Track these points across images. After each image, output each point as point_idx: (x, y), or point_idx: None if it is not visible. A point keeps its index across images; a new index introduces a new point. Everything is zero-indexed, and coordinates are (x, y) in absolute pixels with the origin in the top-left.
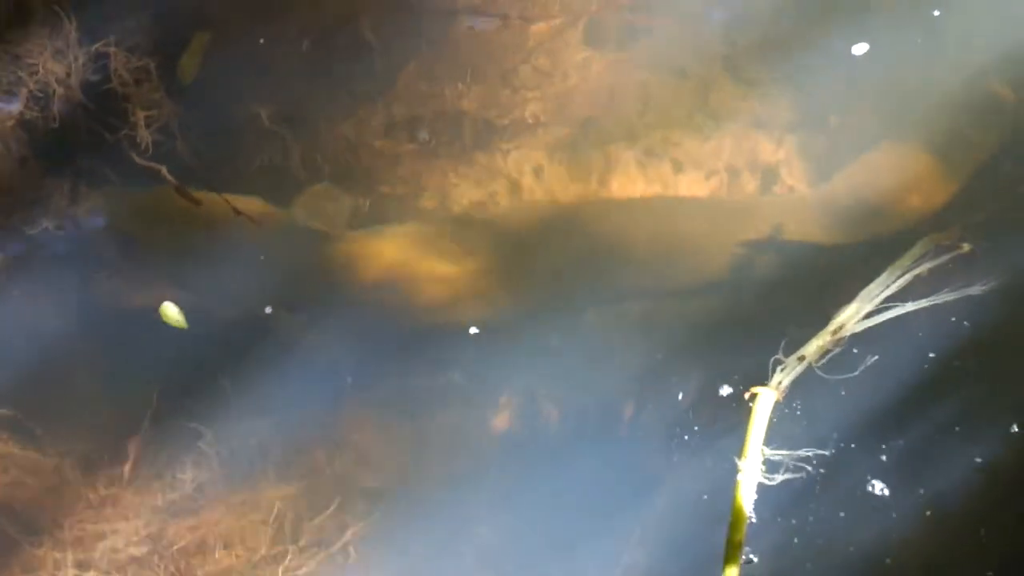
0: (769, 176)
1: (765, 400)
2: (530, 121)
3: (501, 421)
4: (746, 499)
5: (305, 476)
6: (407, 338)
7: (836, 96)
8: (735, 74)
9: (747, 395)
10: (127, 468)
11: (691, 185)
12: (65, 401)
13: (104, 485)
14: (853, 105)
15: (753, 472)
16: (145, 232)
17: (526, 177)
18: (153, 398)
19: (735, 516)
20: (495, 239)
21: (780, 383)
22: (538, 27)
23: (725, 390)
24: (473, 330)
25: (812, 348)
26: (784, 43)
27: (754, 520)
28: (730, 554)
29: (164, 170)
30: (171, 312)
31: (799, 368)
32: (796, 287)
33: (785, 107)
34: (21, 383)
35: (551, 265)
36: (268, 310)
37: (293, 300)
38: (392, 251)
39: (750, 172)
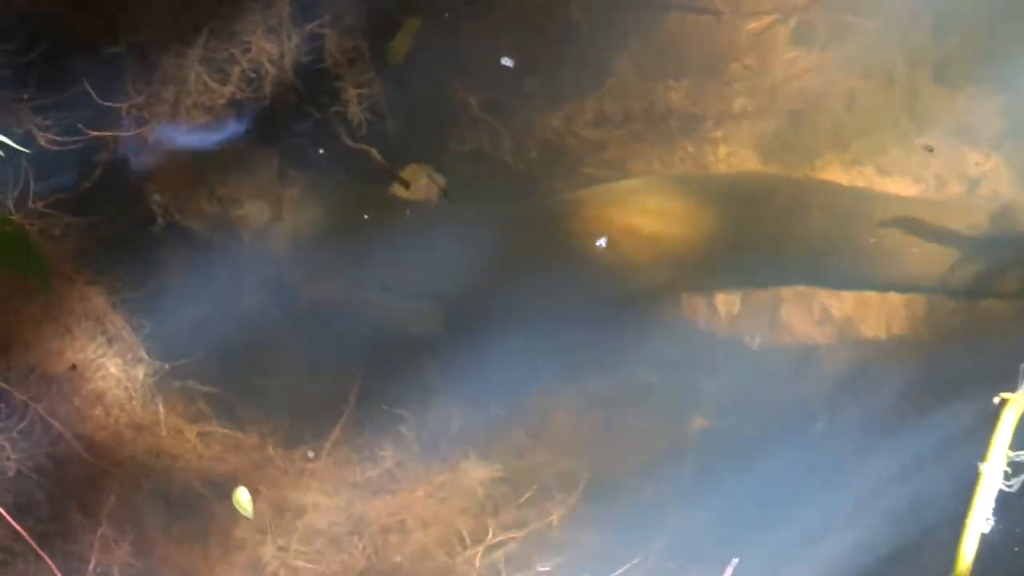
0: (975, 185)
1: (1015, 406)
2: (737, 113)
3: (700, 418)
4: (984, 503)
5: (505, 460)
6: (614, 326)
7: None
8: (942, 77)
9: (996, 400)
10: (327, 446)
11: (896, 191)
12: (268, 381)
13: (303, 462)
14: None
15: (995, 477)
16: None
17: None
18: (356, 379)
19: (971, 520)
20: (714, 204)
21: None
22: (749, 25)
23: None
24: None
25: None
26: (995, 46)
27: (993, 524)
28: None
29: (373, 151)
30: (242, 499)
31: None
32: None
33: (994, 112)
34: (225, 362)
35: (764, 242)
36: (471, 294)
37: (498, 284)
38: (611, 211)
39: (957, 181)
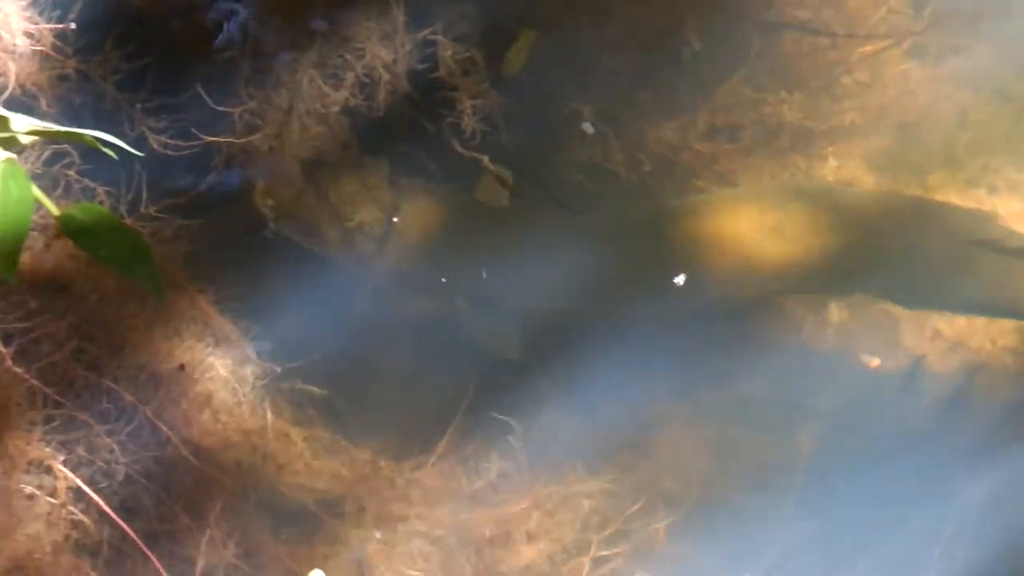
0: None
1: None
2: (848, 128)
3: (809, 434)
4: None
5: (612, 473)
6: (728, 339)
7: None
8: None
9: None
10: (435, 455)
11: (1008, 212)
12: (377, 388)
13: (410, 469)
14: None
15: None
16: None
17: None
18: (466, 389)
19: None
20: (833, 219)
21: None
22: (863, 48)
23: None
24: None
25: None
26: None
27: None
28: None
29: (485, 160)
30: None
31: None
32: None
33: None
34: (334, 369)
35: (884, 260)
36: (582, 307)
37: (614, 295)
38: (729, 222)
39: None
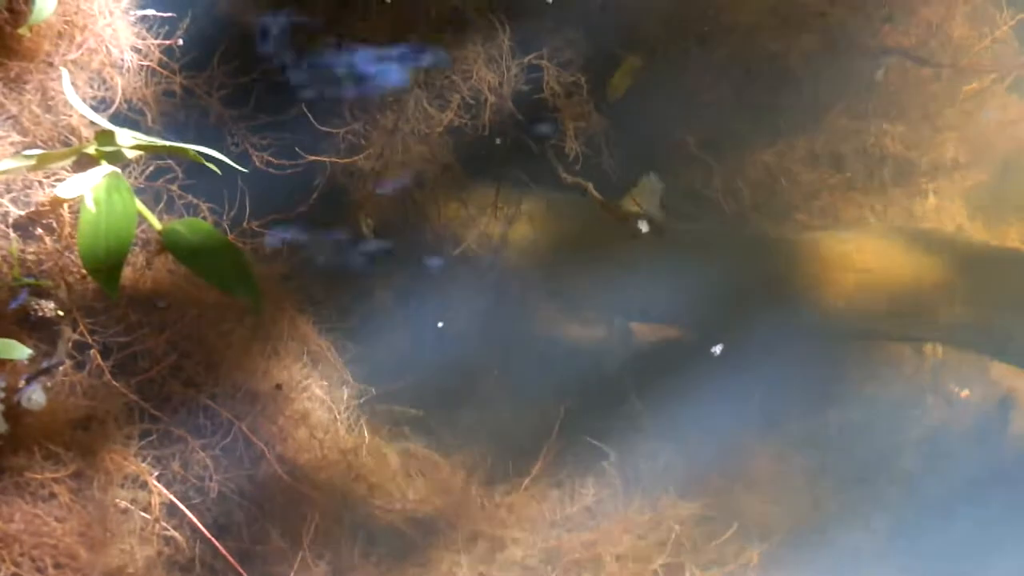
0: None
1: None
2: (949, 163)
3: (902, 471)
4: None
5: (705, 499)
6: (824, 369)
7: None
8: None
9: None
10: (528, 479)
11: None
12: (474, 411)
13: (503, 493)
14: None
15: None
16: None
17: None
18: (560, 412)
19: None
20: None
21: None
22: (969, 85)
23: None
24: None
25: None
26: None
27: None
28: None
29: (591, 187)
30: None
31: None
32: None
33: None
34: (430, 390)
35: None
36: (716, 349)
37: (710, 318)
38: (856, 255)
39: None
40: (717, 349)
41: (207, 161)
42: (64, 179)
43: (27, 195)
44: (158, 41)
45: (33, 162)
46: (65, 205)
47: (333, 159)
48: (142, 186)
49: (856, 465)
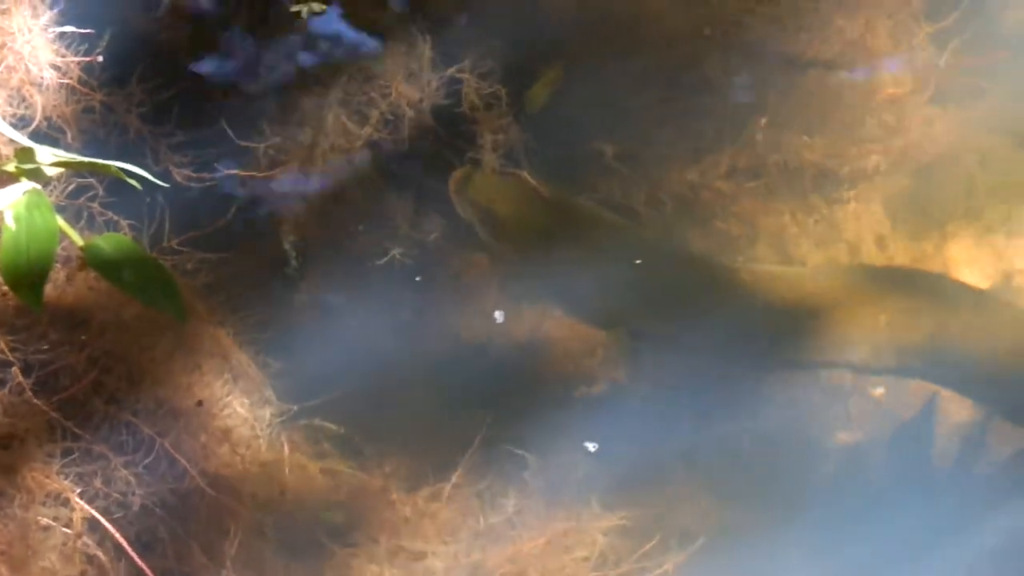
0: None
1: None
2: (870, 172)
3: (823, 471)
4: None
5: (626, 510)
6: (742, 376)
7: None
8: None
9: None
10: (449, 489)
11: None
12: (395, 423)
13: (425, 503)
14: None
15: None
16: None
17: (866, 243)
18: (482, 422)
19: None
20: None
21: None
22: (888, 91)
23: None
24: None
25: None
26: None
27: None
28: None
29: (524, 175)
30: None
31: None
32: None
33: None
34: (352, 404)
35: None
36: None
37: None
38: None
39: None
40: (499, 315)
41: (128, 177)
42: None
43: None
44: (78, 58)
45: None
46: None
47: (253, 174)
48: (63, 204)
49: (775, 470)
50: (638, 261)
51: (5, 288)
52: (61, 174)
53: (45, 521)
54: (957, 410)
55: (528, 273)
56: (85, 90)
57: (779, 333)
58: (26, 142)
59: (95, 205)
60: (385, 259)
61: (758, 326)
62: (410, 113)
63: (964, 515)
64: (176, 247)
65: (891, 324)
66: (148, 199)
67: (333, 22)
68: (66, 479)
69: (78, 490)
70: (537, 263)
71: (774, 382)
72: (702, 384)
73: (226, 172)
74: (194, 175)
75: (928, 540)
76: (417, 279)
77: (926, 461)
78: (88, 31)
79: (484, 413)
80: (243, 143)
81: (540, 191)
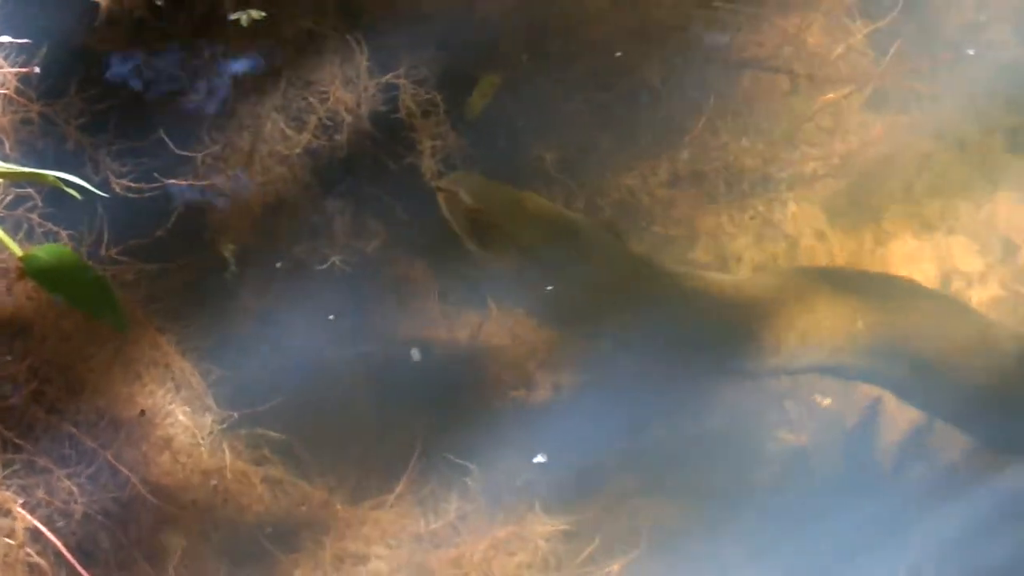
0: None
1: None
2: (809, 175)
3: (765, 473)
4: None
5: (569, 514)
6: (684, 380)
7: None
8: (1015, 145)
9: None
10: (393, 496)
11: (964, 255)
12: (337, 431)
13: (368, 509)
14: None
15: None
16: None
17: (806, 239)
18: (423, 429)
19: None
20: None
21: None
22: (825, 95)
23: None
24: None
25: None
26: None
27: None
28: None
29: (461, 192)
30: None
31: None
32: None
33: None
34: (294, 411)
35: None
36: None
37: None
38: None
39: None
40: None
41: (66, 187)
42: None
43: None
44: (14, 69)
45: None
46: None
47: (192, 182)
48: (2, 215)
49: (715, 477)
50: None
51: None
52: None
53: None
54: (901, 414)
55: (495, 276)
56: (23, 101)
57: (722, 337)
58: None
59: (34, 216)
60: (325, 265)
61: (701, 330)
62: (348, 119)
63: (906, 516)
64: (116, 257)
65: (833, 327)
66: (87, 209)
67: (271, 30)
68: (8, 490)
69: (20, 500)
70: (514, 268)
71: (717, 386)
72: (646, 387)
73: (165, 181)
74: (133, 185)
75: (869, 541)
76: (357, 285)
77: (869, 463)
78: (25, 41)
79: (426, 419)
80: (182, 152)
81: (530, 200)
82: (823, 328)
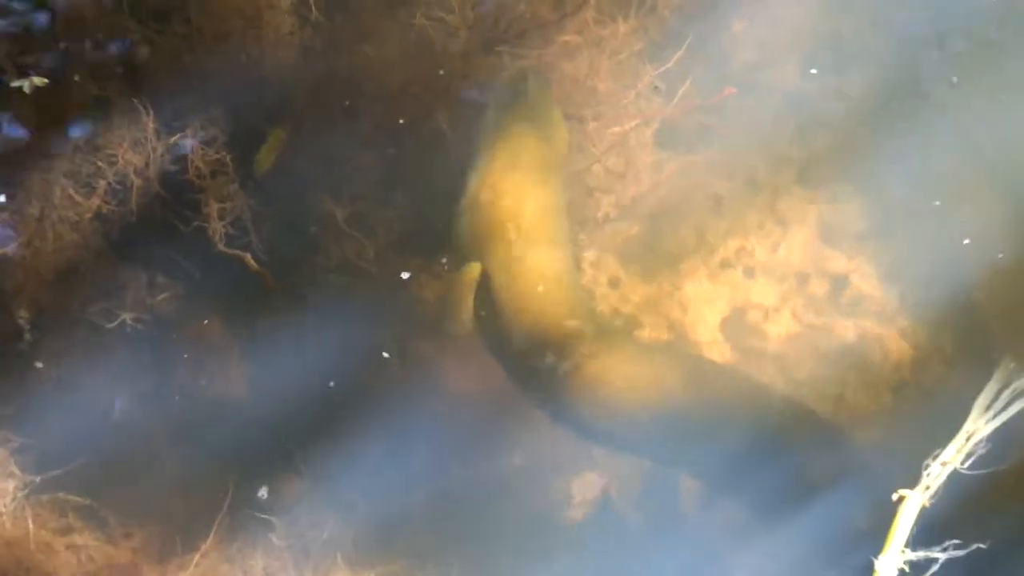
0: (840, 282)
1: (912, 503)
2: (602, 220)
3: (575, 509)
4: None
5: (375, 566)
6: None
7: (909, 201)
8: (805, 180)
9: (895, 497)
10: (198, 556)
11: (761, 291)
12: (140, 488)
13: (176, 569)
14: (925, 209)
15: (891, 571)
16: None
17: (601, 287)
18: (229, 486)
19: None
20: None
21: (927, 488)
22: (612, 130)
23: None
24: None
25: (952, 454)
26: (855, 149)
27: None
28: None
29: (248, 257)
30: None
31: (944, 473)
32: None
33: (855, 213)
34: (96, 475)
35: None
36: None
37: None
38: None
39: (818, 278)
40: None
41: None
42: None
43: None
44: None
45: None
46: None
47: None
48: None
49: (526, 511)
50: None
51: None
52: None
53: None
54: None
55: None
56: None
57: None
58: None
59: None
60: (115, 323)
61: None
62: (137, 182)
63: (712, 553)
64: None
65: None
66: None
67: (56, 95)
68: None
69: None
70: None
71: (515, 429)
72: (442, 432)
73: None
74: None
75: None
76: (155, 344)
77: (672, 504)
78: None
79: (229, 476)
80: None
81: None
82: None
